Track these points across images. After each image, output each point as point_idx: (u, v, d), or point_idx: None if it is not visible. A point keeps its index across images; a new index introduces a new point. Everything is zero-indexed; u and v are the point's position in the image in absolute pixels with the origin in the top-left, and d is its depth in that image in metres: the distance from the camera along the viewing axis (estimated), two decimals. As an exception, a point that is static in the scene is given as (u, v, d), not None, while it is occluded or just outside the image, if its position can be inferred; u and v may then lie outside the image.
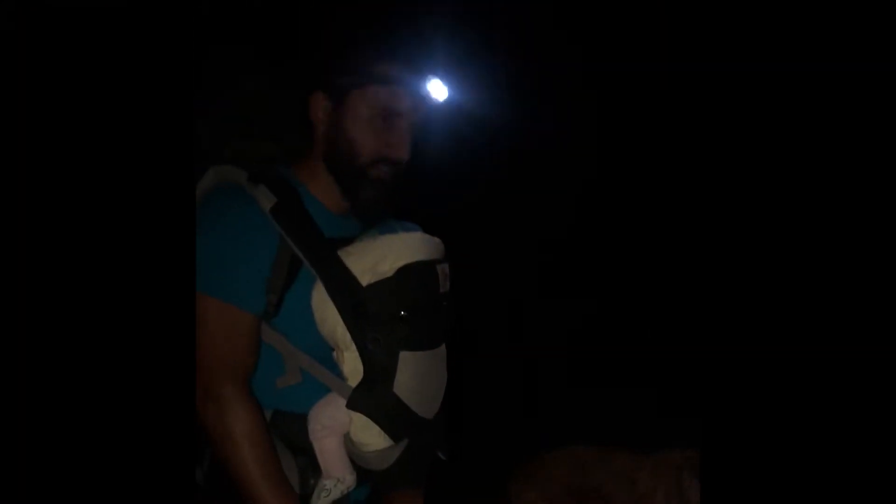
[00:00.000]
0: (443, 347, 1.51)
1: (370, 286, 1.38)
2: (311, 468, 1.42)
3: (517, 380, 4.33)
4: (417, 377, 1.42)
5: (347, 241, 1.45)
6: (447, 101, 1.56)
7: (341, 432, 1.40)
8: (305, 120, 1.52)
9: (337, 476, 1.40)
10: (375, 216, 1.54)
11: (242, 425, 1.34)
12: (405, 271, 1.40)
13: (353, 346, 1.38)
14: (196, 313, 1.30)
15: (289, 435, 1.42)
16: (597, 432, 2.79)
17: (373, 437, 1.39)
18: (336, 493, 1.40)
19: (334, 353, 1.42)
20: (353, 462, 1.42)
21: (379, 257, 1.40)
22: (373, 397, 1.38)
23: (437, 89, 1.55)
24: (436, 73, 1.54)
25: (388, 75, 1.45)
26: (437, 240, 1.51)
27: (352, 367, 1.40)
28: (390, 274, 1.38)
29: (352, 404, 1.38)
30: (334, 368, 1.42)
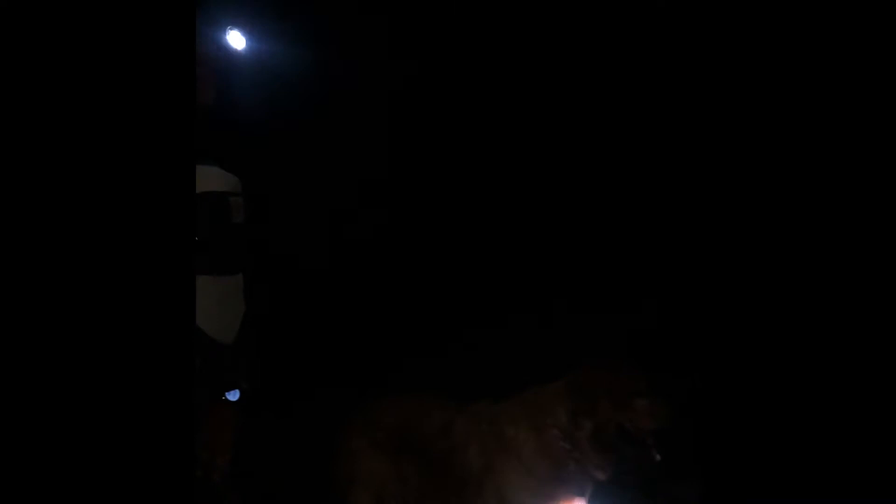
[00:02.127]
0: (238, 277, 1.61)
1: None
2: None
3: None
4: (208, 300, 1.50)
5: None
6: (248, 51, 1.65)
7: None
8: None
9: None
10: None
11: None
12: (200, 200, 1.47)
13: None
14: None
15: None
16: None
17: None
18: None
19: None
20: None
21: None
22: None
23: (236, 39, 1.64)
24: (234, 24, 1.63)
25: None
26: (233, 176, 1.60)
27: None
28: None
29: None
30: None
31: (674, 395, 2.46)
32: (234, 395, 1.66)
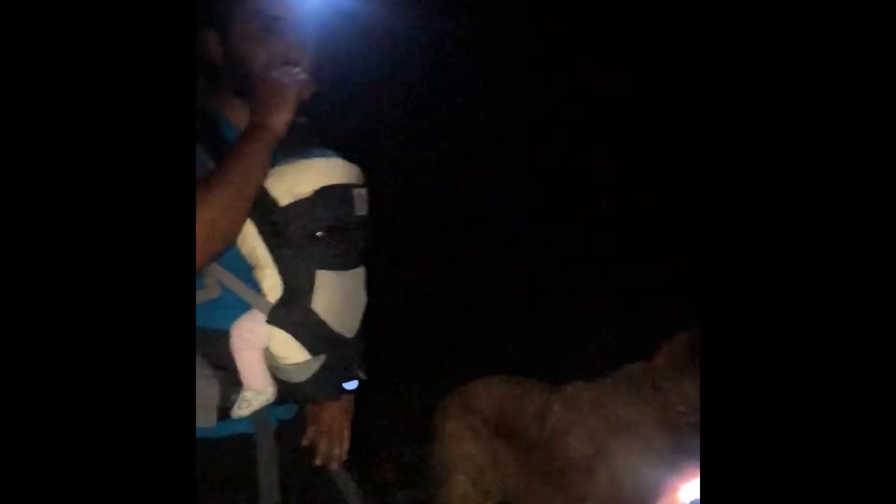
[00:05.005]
0: (361, 269, 1.59)
1: (288, 206, 1.44)
2: (231, 383, 1.49)
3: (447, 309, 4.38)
4: (334, 295, 1.50)
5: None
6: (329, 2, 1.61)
7: (261, 346, 1.47)
8: (208, 59, 1.59)
9: (257, 388, 1.47)
10: (292, 136, 1.58)
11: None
12: (322, 193, 1.46)
13: (272, 264, 1.45)
14: None
15: (212, 351, 1.48)
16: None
17: (291, 351, 1.47)
18: (256, 404, 1.48)
19: (254, 271, 1.48)
20: (273, 376, 1.50)
21: (298, 179, 1.46)
22: (291, 313, 1.45)
23: None
24: None
25: None
26: (355, 166, 1.57)
27: (271, 284, 1.46)
28: (308, 195, 1.45)
29: (272, 319, 1.45)
30: (255, 286, 1.48)
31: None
32: (352, 385, 1.65)
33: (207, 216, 1.36)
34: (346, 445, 1.76)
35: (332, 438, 1.73)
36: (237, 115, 1.58)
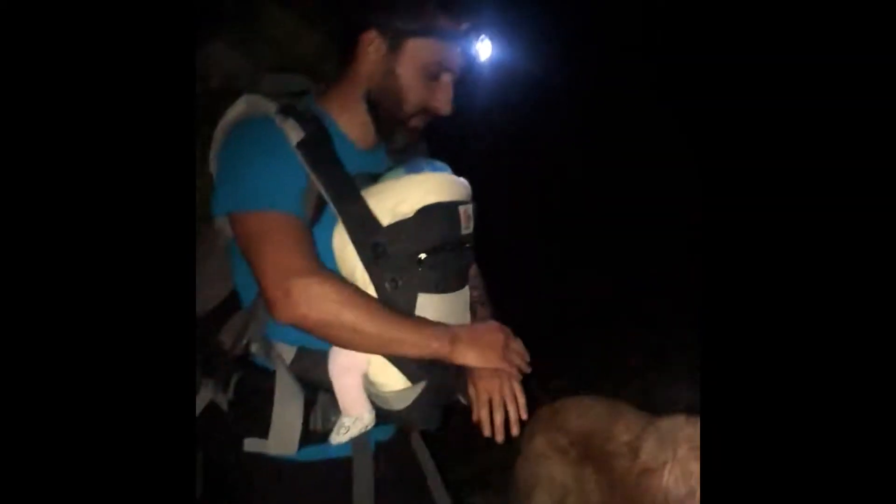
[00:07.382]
0: (465, 290, 1.52)
1: (390, 227, 1.38)
2: (332, 405, 1.45)
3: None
4: (436, 319, 1.43)
5: (373, 177, 1.46)
6: (489, 60, 1.58)
7: (360, 372, 1.43)
8: (346, 54, 1.51)
9: (355, 414, 1.44)
10: (406, 155, 1.56)
11: (349, 290, 1.37)
12: (426, 212, 1.39)
13: (372, 288, 1.40)
14: (250, 231, 1.37)
15: (312, 372, 1.45)
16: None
17: (390, 378, 1.42)
18: (354, 431, 1.44)
19: None
20: (372, 402, 1.45)
21: (401, 198, 1.40)
22: None
23: (484, 48, 1.55)
24: (486, 32, 1.54)
25: (452, 31, 1.47)
26: (462, 180, 1.50)
27: None
28: (411, 215, 1.39)
29: None
30: None
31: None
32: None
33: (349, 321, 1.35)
34: (522, 400, 1.48)
35: (504, 402, 1.47)
36: (352, 125, 1.53)
